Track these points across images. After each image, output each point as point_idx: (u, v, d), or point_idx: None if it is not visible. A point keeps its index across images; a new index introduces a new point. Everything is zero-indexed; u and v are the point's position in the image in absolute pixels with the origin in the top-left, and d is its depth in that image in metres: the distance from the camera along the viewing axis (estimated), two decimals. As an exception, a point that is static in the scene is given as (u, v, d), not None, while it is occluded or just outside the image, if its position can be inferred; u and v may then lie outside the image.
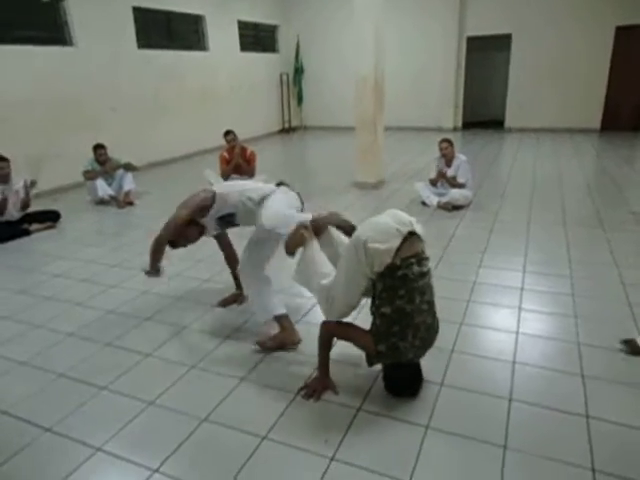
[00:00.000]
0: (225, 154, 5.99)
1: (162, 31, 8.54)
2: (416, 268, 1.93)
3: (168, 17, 8.55)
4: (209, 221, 2.66)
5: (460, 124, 11.24)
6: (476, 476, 1.77)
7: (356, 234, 1.99)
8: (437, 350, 2.53)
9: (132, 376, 2.45)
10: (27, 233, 4.83)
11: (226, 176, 5.94)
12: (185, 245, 2.72)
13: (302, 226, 2.26)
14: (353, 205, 5.46)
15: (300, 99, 12.39)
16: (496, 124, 11.10)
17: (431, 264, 3.64)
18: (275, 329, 2.66)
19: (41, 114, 6.35)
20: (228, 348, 2.67)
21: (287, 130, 12.25)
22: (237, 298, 3.18)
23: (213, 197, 2.61)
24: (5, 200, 4.73)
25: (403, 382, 2.16)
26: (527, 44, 10.04)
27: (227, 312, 3.09)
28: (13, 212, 4.85)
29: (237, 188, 2.70)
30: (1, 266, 4.15)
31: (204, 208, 2.60)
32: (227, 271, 3.23)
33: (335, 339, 2.25)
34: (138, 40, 7.77)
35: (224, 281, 3.41)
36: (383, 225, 1.94)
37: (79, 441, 2.02)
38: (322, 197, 5.78)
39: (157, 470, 1.85)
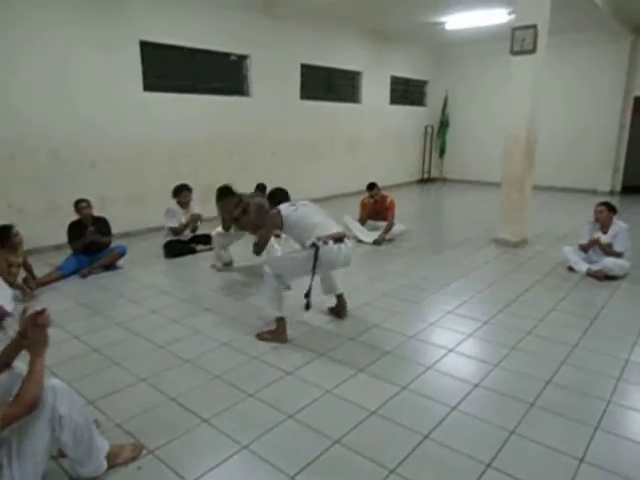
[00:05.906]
0: (366, 200, 6.35)
1: (322, 84, 9.43)
2: None
3: (329, 73, 9.44)
4: None
5: (619, 188, 10.31)
6: None
7: None
8: (578, 423, 2.40)
9: (275, 389, 2.73)
10: (193, 252, 5.62)
11: (363, 221, 6.32)
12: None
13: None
14: (492, 262, 5.35)
15: (442, 151, 12.51)
16: (663, 191, 9.97)
17: (576, 334, 3.46)
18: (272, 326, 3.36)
19: (216, 152, 7.41)
20: (363, 378, 2.83)
21: (426, 180, 12.41)
22: None
23: None
24: (186, 224, 5.55)
25: None
26: None
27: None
28: (186, 232, 5.69)
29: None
30: (173, 277, 4.92)
31: None
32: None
33: None
34: (302, 92, 8.70)
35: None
36: None
37: (229, 436, 2.31)
38: (460, 250, 5.78)
39: (293, 478, 2.04)
